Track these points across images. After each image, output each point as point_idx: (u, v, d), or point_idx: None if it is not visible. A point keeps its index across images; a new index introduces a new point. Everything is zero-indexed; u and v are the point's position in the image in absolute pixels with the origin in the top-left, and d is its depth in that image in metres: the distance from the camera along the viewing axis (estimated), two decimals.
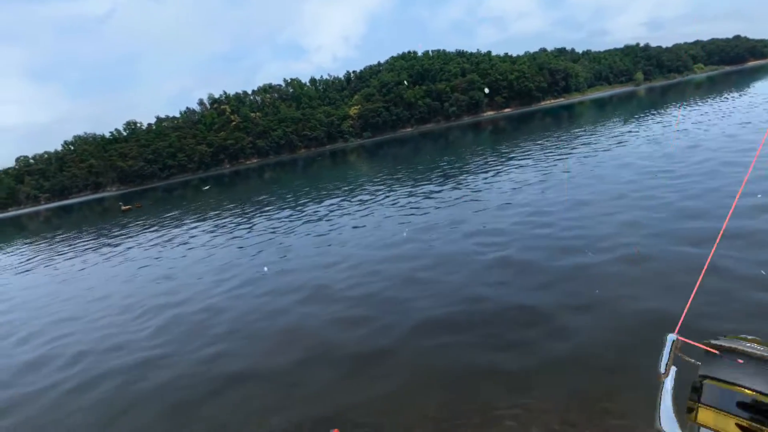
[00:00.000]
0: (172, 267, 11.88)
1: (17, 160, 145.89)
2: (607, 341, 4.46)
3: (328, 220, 13.71)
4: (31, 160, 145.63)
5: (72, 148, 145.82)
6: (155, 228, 20.56)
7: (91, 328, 7.65)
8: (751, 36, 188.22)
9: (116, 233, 22.04)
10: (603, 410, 3.52)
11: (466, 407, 3.82)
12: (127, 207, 37.73)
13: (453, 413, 3.77)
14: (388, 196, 16.16)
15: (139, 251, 15.34)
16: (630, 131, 21.83)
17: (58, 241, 23.69)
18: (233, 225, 16.62)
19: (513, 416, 3.63)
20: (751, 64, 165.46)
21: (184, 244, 14.77)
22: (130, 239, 18.62)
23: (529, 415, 3.56)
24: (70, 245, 20.67)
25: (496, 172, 17.06)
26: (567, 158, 16.65)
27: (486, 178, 16.02)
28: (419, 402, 4.07)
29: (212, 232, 16.19)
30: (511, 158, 20.50)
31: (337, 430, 2.77)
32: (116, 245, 17.90)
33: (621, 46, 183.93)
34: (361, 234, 11.02)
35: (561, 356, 4.37)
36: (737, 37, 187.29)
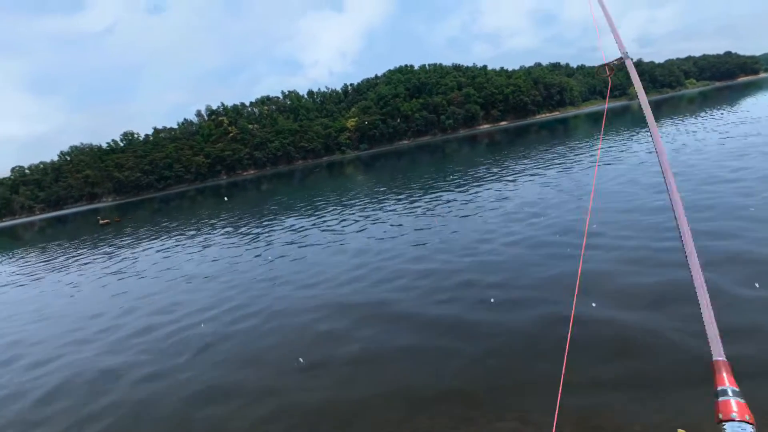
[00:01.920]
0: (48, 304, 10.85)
1: (13, 170, 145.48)
2: None
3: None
4: (27, 170, 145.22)
5: (68, 158, 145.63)
6: (116, 250, 18.77)
7: None
8: (741, 52, 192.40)
9: (71, 253, 20.46)
10: None
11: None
12: (106, 221, 36.71)
13: None
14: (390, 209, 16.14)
15: (69, 283, 13.33)
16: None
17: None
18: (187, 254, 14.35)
19: None
20: (742, 79, 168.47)
21: (117, 273, 13.03)
22: (81, 263, 16.75)
23: None
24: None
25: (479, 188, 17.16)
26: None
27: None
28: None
29: (156, 263, 13.97)
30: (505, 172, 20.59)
31: None
32: (59, 270, 16.08)
33: None
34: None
35: None
36: (728, 54, 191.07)
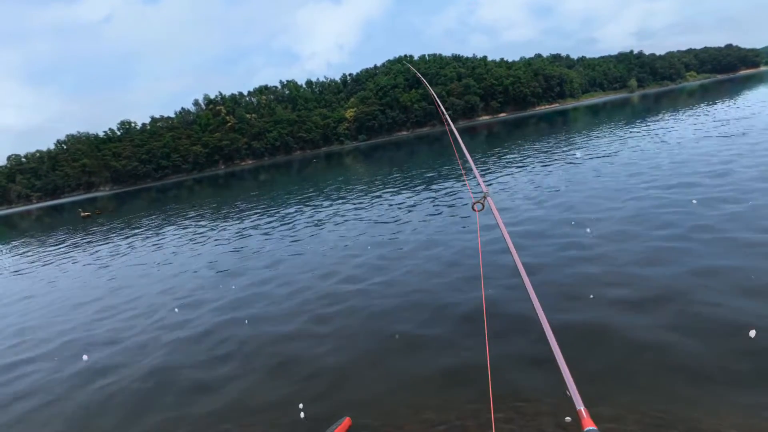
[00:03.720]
0: None
1: (9, 158, 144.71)
2: None
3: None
4: (23, 159, 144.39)
5: (65, 147, 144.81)
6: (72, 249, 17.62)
7: None
8: (742, 45, 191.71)
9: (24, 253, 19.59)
10: None
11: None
12: (87, 214, 35.90)
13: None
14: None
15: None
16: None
17: None
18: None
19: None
20: (743, 72, 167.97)
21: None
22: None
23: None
24: None
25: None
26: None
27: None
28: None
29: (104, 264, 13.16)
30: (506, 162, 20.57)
31: (348, 419, 2.76)
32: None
33: (610, 54, 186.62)
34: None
35: None
36: (729, 46, 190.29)
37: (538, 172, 15.42)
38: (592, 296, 5.20)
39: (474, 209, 2.31)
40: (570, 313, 4.97)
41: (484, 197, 2.28)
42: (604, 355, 4.16)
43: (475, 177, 2.65)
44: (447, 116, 3.79)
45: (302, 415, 4.04)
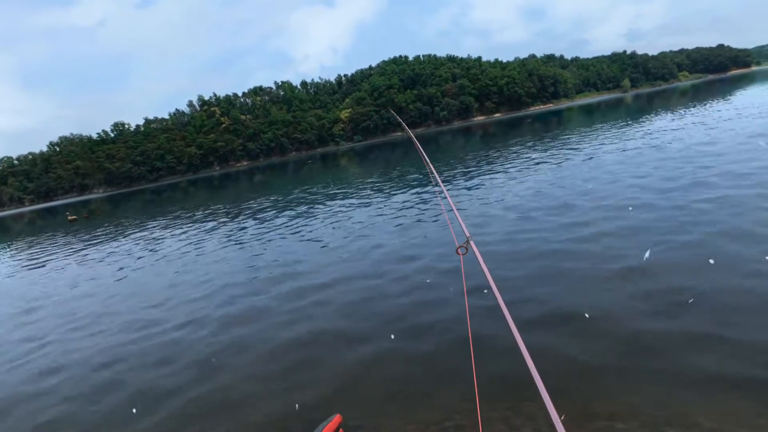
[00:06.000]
0: None
1: (1, 160, 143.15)
2: None
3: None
4: (15, 161, 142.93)
5: (58, 149, 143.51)
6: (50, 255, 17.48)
7: None
8: (733, 46, 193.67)
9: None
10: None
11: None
12: (74, 218, 35.95)
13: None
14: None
15: None
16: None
17: None
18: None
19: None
20: (733, 72, 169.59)
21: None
22: None
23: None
24: None
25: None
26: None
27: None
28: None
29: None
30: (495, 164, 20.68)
31: (339, 416, 2.78)
32: None
33: (603, 54, 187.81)
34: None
35: None
36: (721, 46, 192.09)
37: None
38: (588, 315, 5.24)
39: (458, 253, 2.33)
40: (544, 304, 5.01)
41: (467, 241, 2.31)
42: (602, 354, 4.20)
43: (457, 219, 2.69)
44: (424, 153, 3.86)
45: (297, 410, 4.12)
